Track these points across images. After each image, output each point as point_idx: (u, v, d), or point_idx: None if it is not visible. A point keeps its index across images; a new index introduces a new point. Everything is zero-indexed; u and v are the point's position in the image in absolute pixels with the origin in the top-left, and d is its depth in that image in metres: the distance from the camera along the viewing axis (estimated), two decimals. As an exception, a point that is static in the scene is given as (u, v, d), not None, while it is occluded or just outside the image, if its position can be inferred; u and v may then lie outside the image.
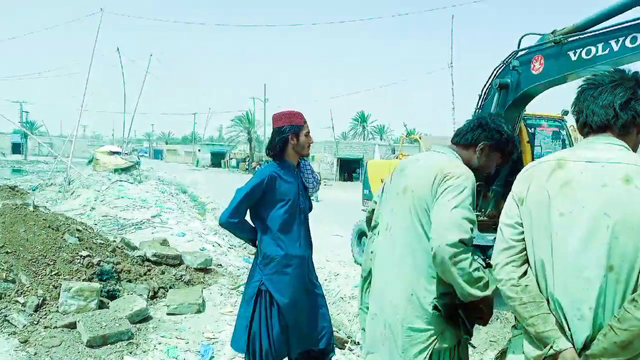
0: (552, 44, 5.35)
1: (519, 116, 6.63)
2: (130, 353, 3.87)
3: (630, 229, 1.40)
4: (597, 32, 4.89)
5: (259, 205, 2.93)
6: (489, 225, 7.64)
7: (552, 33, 5.41)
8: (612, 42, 4.72)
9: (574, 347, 1.48)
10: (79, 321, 4.07)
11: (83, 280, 4.64)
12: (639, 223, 1.39)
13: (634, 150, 1.56)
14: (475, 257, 2.08)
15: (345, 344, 4.86)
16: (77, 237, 5.18)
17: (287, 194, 2.95)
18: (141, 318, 4.41)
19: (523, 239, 1.62)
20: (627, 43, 4.59)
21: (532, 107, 7.41)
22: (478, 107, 6.65)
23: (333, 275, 8.53)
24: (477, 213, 7.75)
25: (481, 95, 6.52)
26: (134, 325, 4.22)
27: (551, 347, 1.50)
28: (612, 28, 4.76)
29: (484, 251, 7.46)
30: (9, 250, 4.57)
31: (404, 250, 2.00)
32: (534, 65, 5.73)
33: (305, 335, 3.08)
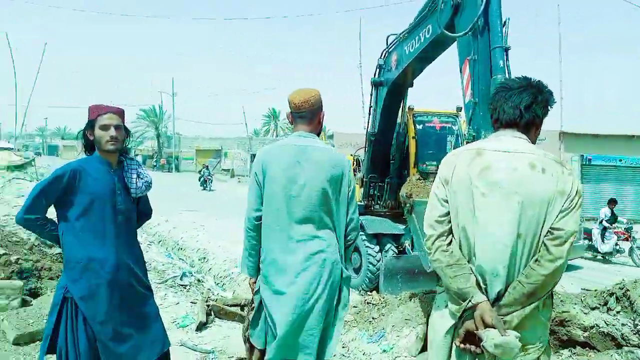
0: (399, 41, 6.07)
1: (397, 110, 7.30)
2: (61, 349, 3.83)
3: (533, 204, 1.83)
4: (415, 27, 5.58)
5: (62, 202, 2.57)
6: (390, 215, 8.24)
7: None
8: (420, 34, 5.46)
9: (488, 299, 1.88)
10: (3, 319, 3.94)
11: (1, 278, 4.45)
12: (539, 200, 1.83)
13: (533, 142, 2.01)
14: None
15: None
16: (-9, 235, 4.92)
17: (96, 191, 2.61)
18: (68, 314, 4.33)
19: (449, 213, 1.99)
20: (426, 34, 5.33)
21: (430, 104, 8.08)
22: (370, 105, 7.36)
23: (255, 268, 8.69)
24: (377, 204, 8.33)
25: (371, 94, 7.23)
26: (62, 321, 4.15)
27: (469, 300, 1.89)
28: (419, 21, 5.48)
29: (397, 239, 8.07)
30: None
31: None
32: (392, 62, 6.43)
33: (124, 351, 2.65)
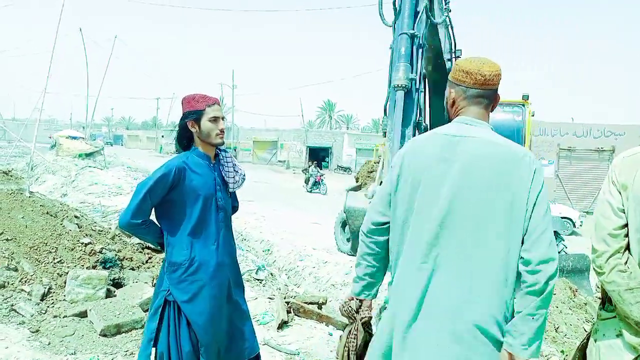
0: None
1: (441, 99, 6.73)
2: (147, 341, 3.80)
3: None
4: None
5: (165, 203, 2.45)
6: None
7: None
8: None
9: None
10: (90, 310, 3.95)
11: (87, 268, 4.49)
12: None
13: None
14: None
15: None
16: (76, 223, 5.00)
17: (200, 189, 2.48)
18: (151, 306, 4.32)
19: (626, 225, 1.68)
20: None
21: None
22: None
23: (322, 263, 8.55)
24: None
25: None
26: (146, 313, 4.14)
27: None
28: None
29: None
30: (9, 238, 4.37)
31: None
32: None
33: (221, 353, 2.57)
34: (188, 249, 2.45)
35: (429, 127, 6.64)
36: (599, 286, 6.45)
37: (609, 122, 22.74)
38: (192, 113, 2.50)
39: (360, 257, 2.01)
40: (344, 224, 10.70)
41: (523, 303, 1.61)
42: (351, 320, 2.12)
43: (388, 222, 1.91)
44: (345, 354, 2.10)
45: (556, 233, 9.31)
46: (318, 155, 42.14)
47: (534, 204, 1.64)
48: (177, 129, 2.60)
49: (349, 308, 2.11)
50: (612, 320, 1.76)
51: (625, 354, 1.69)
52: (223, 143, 2.58)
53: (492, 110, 1.89)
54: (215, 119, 2.51)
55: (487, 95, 1.83)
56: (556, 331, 4.69)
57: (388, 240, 1.94)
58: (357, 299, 2.08)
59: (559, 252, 8.96)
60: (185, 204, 2.46)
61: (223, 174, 2.65)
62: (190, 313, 2.42)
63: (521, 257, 1.64)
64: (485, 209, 1.68)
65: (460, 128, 1.81)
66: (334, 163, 39.73)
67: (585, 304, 5.50)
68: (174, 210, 2.47)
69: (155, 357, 2.48)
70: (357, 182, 12.49)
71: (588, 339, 1.89)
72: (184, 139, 2.58)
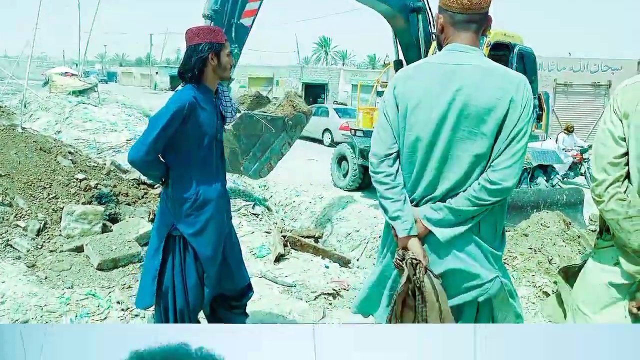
0: None
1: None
2: (145, 274, 3.84)
3: None
4: None
5: (174, 138, 2.39)
6: None
7: None
8: None
9: None
10: (86, 244, 3.97)
11: (82, 203, 4.48)
12: None
13: None
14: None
15: (349, 264, 4.98)
16: (71, 159, 4.93)
17: (206, 124, 2.46)
18: (148, 240, 4.34)
19: (626, 154, 1.63)
20: None
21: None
22: None
23: (318, 198, 8.60)
24: None
25: None
26: (142, 247, 4.17)
27: None
28: None
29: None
30: (2, 173, 4.32)
31: None
32: None
33: (219, 281, 2.62)
34: (193, 184, 2.46)
35: None
36: (593, 219, 6.51)
37: (605, 56, 22.12)
38: (214, 45, 2.44)
39: (381, 198, 1.86)
40: (340, 160, 10.71)
41: (460, 201, 1.75)
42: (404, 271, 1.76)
43: (393, 153, 1.86)
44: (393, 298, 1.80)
45: (551, 167, 9.34)
46: (314, 92, 41.48)
47: (518, 131, 1.70)
48: (192, 60, 2.42)
49: (400, 259, 1.79)
50: (609, 249, 1.75)
51: (618, 278, 1.70)
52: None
53: (483, 34, 1.86)
54: (229, 54, 2.56)
55: (475, 19, 1.79)
56: (550, 263, 4.77)
57: (399, 169, 1.86)
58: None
59: (552, 186, 9.08)
60: (192, 139, 2.44)
61: (221, 109, 2.64)
62: (198, 245, 2.46)
63: (486, 172, 1.74)
64: (478, 132, 1.72)
65: (452, 56, 1.79)
66: (330, 99, 39.16)
67: (579, 236, 5.58)
68: (180, 145, 2.44)
69: (160, 292, 2.50)
70: None
71: (579, 266, 1.90)
72: (196, 73, 2.44)
